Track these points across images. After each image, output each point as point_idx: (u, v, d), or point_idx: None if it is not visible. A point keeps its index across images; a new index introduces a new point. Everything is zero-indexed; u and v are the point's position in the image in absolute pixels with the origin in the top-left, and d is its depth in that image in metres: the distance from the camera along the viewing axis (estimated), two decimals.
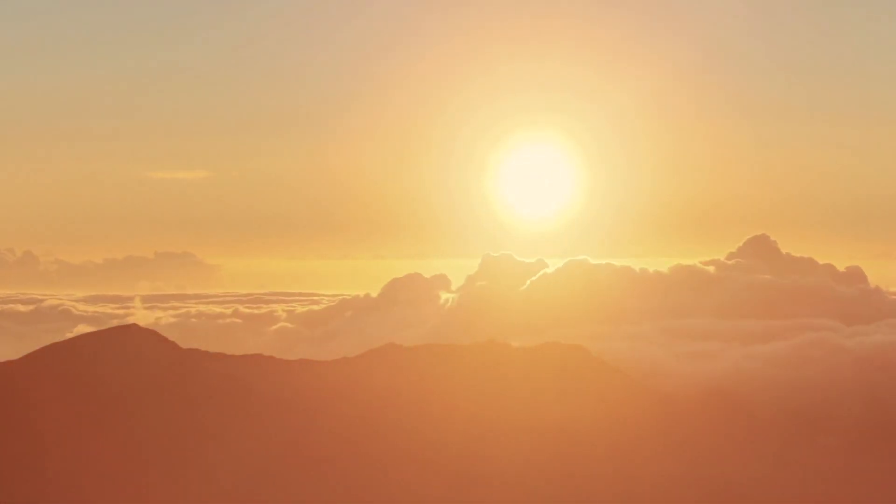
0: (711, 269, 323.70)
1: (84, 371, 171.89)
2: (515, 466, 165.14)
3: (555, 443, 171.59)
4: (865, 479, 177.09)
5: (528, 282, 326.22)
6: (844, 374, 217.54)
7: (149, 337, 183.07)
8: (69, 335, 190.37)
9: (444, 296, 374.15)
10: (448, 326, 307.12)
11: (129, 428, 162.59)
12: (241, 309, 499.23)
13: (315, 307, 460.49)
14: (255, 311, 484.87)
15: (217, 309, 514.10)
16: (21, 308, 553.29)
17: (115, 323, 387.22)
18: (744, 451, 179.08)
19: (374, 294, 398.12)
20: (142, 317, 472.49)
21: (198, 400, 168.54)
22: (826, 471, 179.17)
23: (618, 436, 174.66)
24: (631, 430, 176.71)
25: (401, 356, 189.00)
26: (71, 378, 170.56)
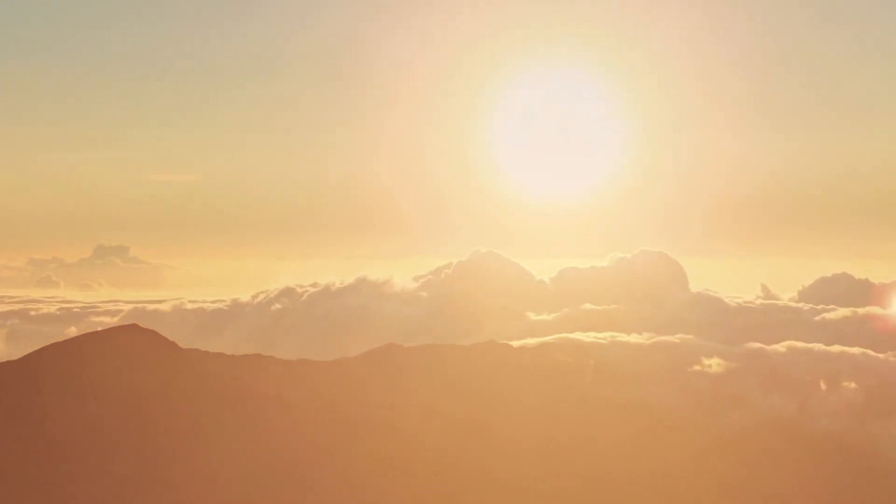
0: None
1: (84, 371, 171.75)
2: (516, 467, 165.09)
3: (556, 443, 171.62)
4: None
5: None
6: None
7: (149, 337, 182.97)
8: (69, 335, 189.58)
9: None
10: None
11: (128, 428, 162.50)
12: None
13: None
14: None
15: None
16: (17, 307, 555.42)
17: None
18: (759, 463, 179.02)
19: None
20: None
21: (197, 400, 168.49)
22: None
23: (620, 436, 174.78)
24: (633, 430, 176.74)
25: (401, 356, 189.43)
26: (71, 378, 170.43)
